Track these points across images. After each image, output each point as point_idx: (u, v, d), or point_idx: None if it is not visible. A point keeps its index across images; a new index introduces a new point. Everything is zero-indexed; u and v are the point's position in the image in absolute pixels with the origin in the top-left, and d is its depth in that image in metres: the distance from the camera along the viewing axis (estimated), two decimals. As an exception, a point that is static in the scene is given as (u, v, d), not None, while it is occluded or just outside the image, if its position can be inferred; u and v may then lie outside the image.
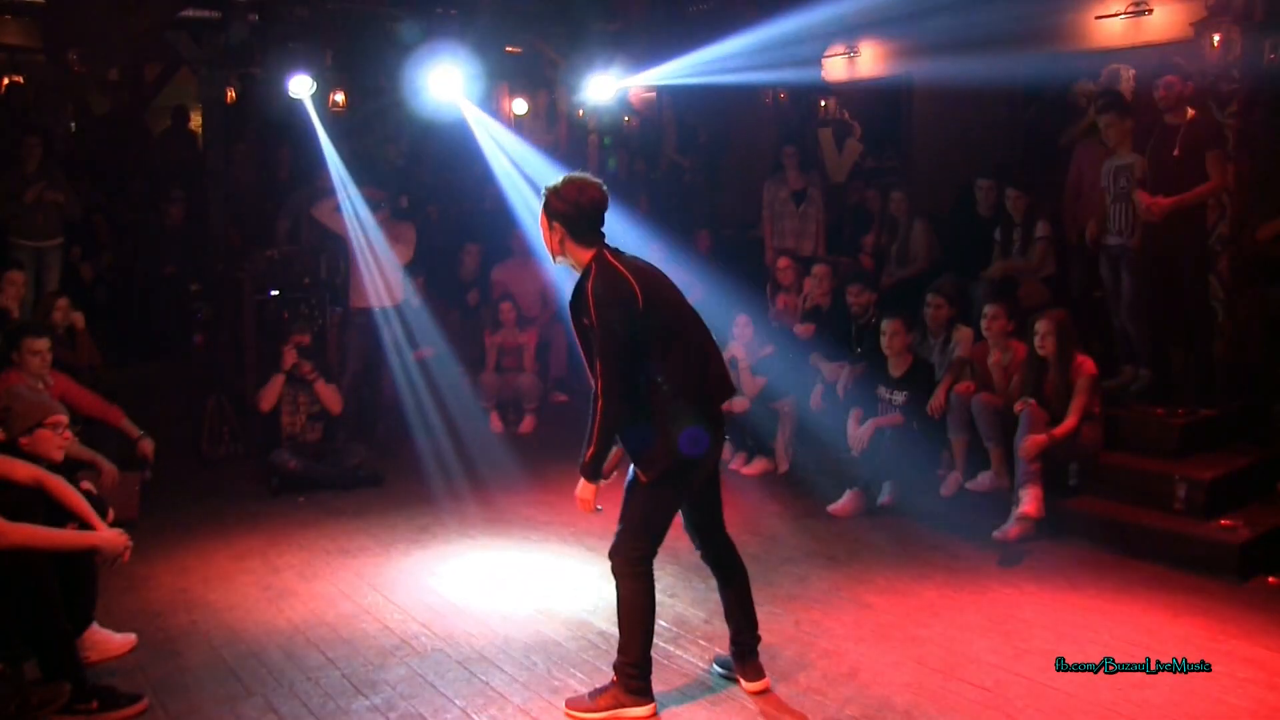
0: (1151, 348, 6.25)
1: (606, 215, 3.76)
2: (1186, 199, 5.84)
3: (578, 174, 3.78)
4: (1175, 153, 5.87)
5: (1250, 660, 4.19)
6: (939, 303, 6.39)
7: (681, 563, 5.34)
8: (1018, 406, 5.59)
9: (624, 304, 3.58)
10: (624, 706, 3.78)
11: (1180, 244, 5.96)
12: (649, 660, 3.83)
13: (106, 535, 3.99)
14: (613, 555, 3.83)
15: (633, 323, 3.58)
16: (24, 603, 3.73)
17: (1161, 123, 6.03)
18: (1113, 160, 6.36)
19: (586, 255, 3.70)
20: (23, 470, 4.00)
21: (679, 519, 3.92)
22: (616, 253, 3.74)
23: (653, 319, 3.62)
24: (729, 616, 4.00)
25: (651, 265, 3.80)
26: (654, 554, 3.82)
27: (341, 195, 7.73)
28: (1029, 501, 5.36)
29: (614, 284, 3.60)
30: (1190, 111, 5.97)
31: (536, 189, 6.46)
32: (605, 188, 3.75)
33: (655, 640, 4.38)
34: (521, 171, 8.59)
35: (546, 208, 3.72)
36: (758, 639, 4.00)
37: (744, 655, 3.98)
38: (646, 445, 3.70)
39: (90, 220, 8.91)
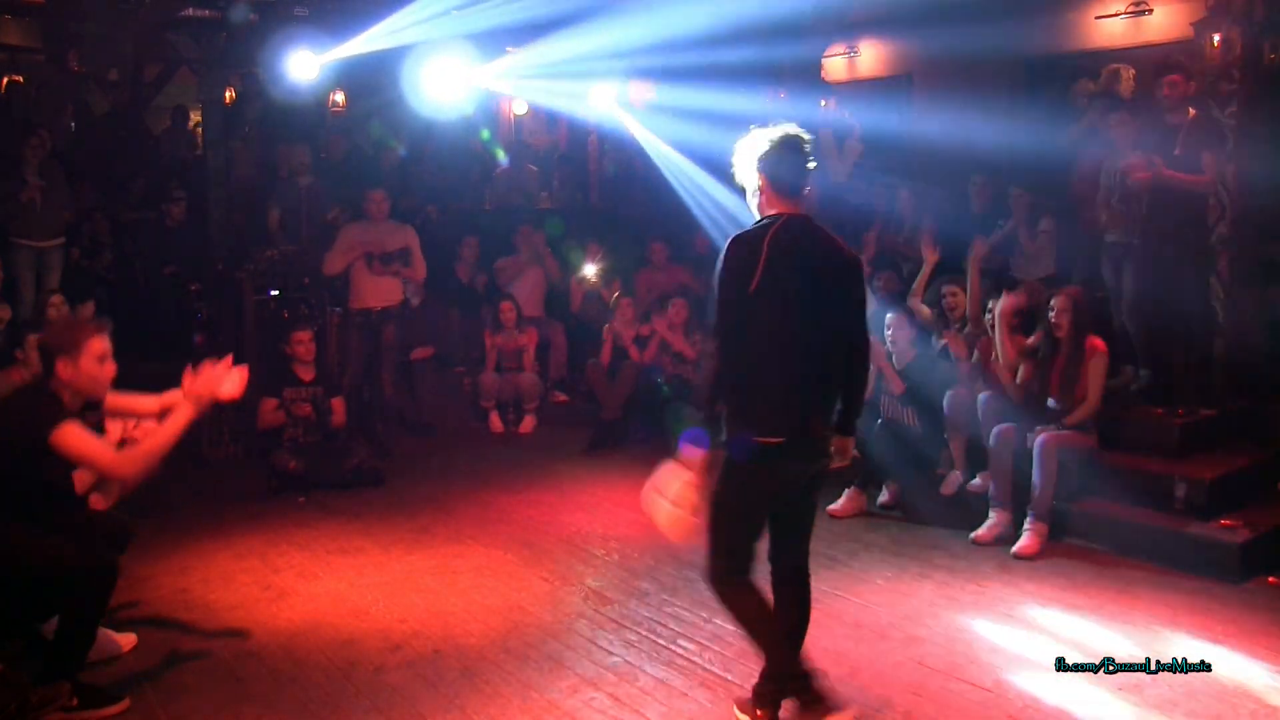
0: (1151, 347, 6.25)
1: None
2: (1174, 178, 5.83)
3: (779, 126, 3.55)
4: (1176, 151, 5.87)
5: (1250, 660, 4.19)
6: (954, 291, 6.45)
7: (681, 562, 5.35)
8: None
9: (737, 274, 3.37)
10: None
11: (1182, 244, 5.96)
12: (794, 663, 3.54)
13: (195, 399, 3.86)
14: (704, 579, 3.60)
15: (737, 295, 3.37)
16: (53, 602, 3.78)
17: (1163, 122, 6.02)
18: (1116, 160, 6.35)
19: (770, 211, 3.51)
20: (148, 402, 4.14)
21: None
22: (794, 226, 3.44)
23: (760, 305, 3.36)
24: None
25: (828, 259, 3.46)
26: (733, 568, 3.48)
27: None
28: (1030, 540, 5.41)
29: (744, 252, 3.40)
30: (1191, 111, 5.98)
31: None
32: (809, 140, 3.52)
33: (655, 640, 4.40)
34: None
35: (753, 160, 3.53)
36: (803, 681, 3.56)
37: (765, 695, 3.59)
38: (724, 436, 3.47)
39: (91, 219, 8.93)
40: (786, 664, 3.55)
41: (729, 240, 3.45)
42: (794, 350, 3.40)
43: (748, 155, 3.54)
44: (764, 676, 3.60)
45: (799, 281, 3.40)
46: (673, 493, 3.46)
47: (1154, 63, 6.41)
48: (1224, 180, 6.14)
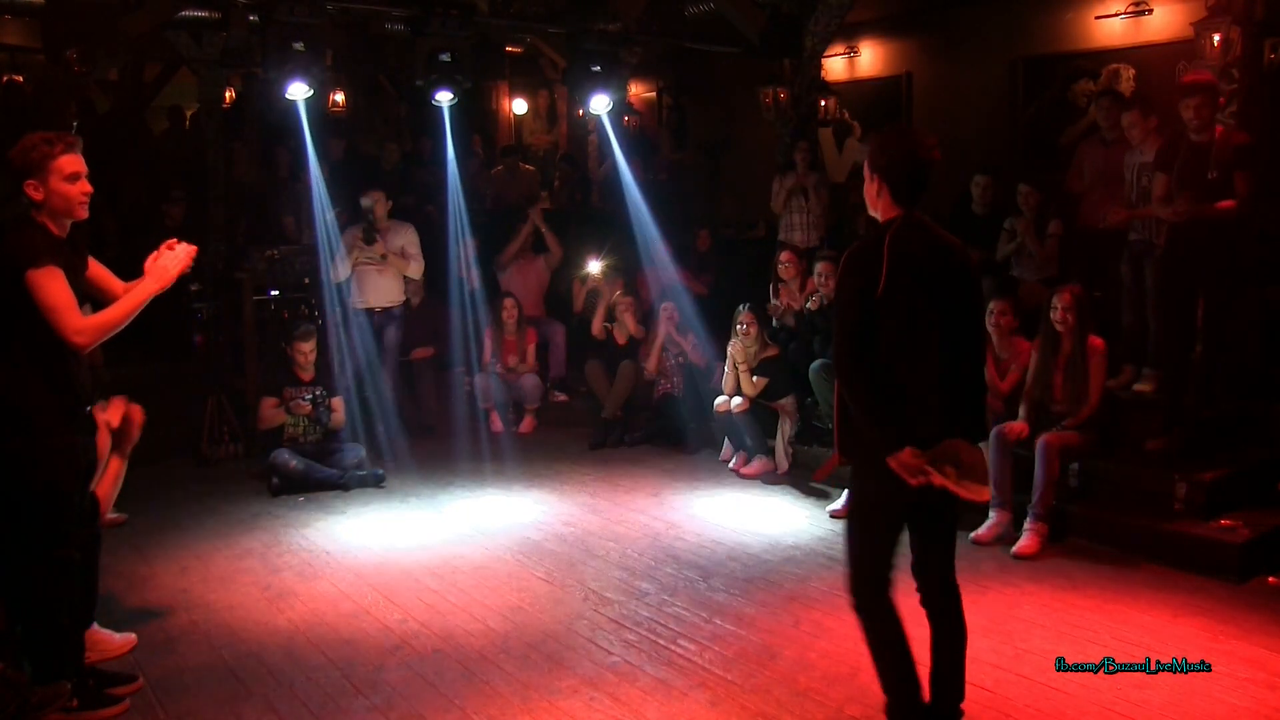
0: (1166, 346, 6.24)
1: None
2: (1211, 211, 5.60)
3: (907, 127, 3.55)
4: (1212, 174, 5.62)
5: (1250, 660, 4.19)
6: None
7: (681, 562, 5.35)
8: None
9: (862, 280, 3.30)
10: None
11: (1210, 248, 5.75)
12: (911, 705, 3.42)
13: (158, 273, 3.81)
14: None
15: (865, 302, 3.28)
16: (42, 605, 3.74)
17: (1187, 140, 5.80)
18: (1135, 156, 6.34)
19: (889, 215, 3.42)
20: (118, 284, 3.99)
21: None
22: (912, 226, 3.37)
23: (887, 313, 3.28)
24: (930, 676, 3.49)
25: (948, 255, 3.40)
26: (870, 589, 3.43)
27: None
28: (1030, 540, 5.39)
29: (866, 257, 3.32)
30: (1219, 129, 5.75)
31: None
32: (935, 147, 3.44)
33: (655, 640, 4.40)
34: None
35: (870, 159, 3.47)
36: (959, 714, 3.48)
37: None
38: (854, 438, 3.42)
39: (96, 218, 8.91)
40: (911, 708, 3.43)
41: (848, 250, 3.42)
42: (923, 355, 3.34)
43: (868, 156, 3.49)
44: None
45: (923, 284, 3.33)
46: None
47: (1169, 77, 6.28)
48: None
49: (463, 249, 8.75)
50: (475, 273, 8.71)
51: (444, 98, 7.68)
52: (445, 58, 7.38)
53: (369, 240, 7.68)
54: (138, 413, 4.46)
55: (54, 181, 3.68)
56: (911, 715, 3.42)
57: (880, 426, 3.30)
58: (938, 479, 3.26)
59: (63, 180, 3.69)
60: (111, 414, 4.43)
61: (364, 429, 7.58)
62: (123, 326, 3.76)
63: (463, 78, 7.52)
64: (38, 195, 3.67)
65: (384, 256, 7.67)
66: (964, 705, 3.53)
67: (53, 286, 3.58)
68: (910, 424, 3.30)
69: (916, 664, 3.43)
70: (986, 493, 3.37)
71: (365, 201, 7.88)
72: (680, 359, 7.85)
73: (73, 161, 3.72)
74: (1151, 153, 6.18)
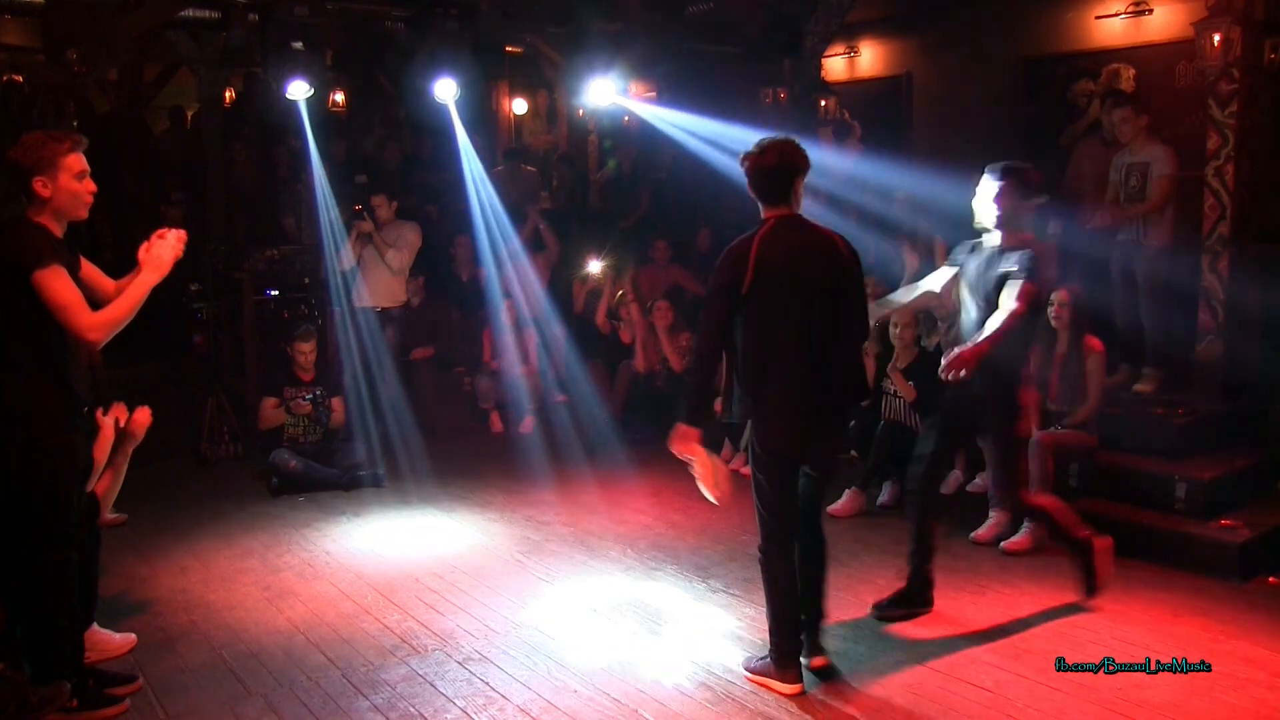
0: (1161, 345, 6.25)
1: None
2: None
3: (775, 137, 3.84)
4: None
5: (1250, 660, 4.19)
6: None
7: (681, 562, 5.35)
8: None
9: (729, 277, 3.71)
10: (771, 678, 3.97)
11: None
12: (788, 640, 3.94)
13: (155, 263, 3.86)
14: None
15: (732, 296, 3.70)
16: (43, 605, 3.73)
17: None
18: (1124, 156, 6.34)
19: (764, 217, 3.83)
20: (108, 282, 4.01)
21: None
22: (784, 227, 3.78)
23: (755, 305, 3.70)
24: (800, 586, 4.04)
25: (820, 252, 3.77)
26: (775, 539, 3.94)
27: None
28: (1023, 537, 5.41)
29: (736, 255, 3.73)
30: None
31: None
32: (794, 149, 3.78)
33: (655, 640, 4.41)
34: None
35: (743, 169, 3.86)
36: (820, 617, 4.11)
37: (809, 633, 4.06)
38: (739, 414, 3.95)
39: (91, 219, 8.91)
40: (786, 638, 3.97)
41: (726, 247, 3.79)
42: (790, 343, 3.70)
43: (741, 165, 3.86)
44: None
45: (789, 279, 3.70)
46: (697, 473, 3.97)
47: (1169, 77, 6.22)
48: (1223, 180, 6.13)
49: (501, 244, 8.76)
50: (525, 269, 8.68)
51: (443, 90, 7.66)
52: (443, 55, 7.39)
53: (359, 216, 7.65)
54: (144, 415, 4.47)
55: (63, 179, 3.69)
56: (786, 644, 3.94)
57: (694, 398, 3.85)
58: (693, 461, 3.88)
59: (72, 178, 3.71)
60: (119, 413, 4.44)
61: (365, 429, 7.58)
62: (130, 319, 3.76)
63: (462, 71, 7.52)
64: (45, 193, 3.67)
65: (369, 235, 7.64)
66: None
67: (60, 286, 3.59)
68: (776, 406, 3.75)
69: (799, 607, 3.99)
70: (712, 494, 3.98)
71: (360, 178, 7.87)
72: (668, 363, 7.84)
73: (80, 160, 3.74)
74: (1141, 151, 6.20)
